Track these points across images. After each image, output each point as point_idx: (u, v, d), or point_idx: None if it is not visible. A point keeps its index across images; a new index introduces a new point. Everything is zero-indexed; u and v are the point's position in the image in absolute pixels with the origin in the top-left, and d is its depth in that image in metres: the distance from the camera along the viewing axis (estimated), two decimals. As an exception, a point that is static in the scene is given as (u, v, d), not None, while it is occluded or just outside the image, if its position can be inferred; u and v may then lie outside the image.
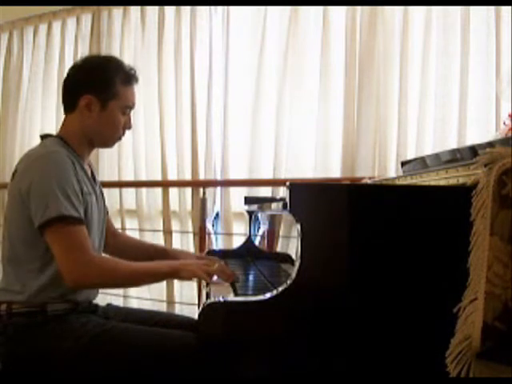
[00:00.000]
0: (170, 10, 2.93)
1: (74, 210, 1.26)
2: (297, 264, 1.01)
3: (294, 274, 1.01)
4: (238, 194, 2.70)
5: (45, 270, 1.29)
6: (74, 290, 1.33)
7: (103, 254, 1.56)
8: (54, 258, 1.28)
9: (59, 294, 1.30)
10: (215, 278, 1.35)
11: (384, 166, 2.38)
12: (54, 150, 1.34)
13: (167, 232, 2.88)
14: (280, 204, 1.13)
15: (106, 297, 2.34)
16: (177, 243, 2.86)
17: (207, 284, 1.39)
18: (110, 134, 1.47)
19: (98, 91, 1.41)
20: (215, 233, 2.85)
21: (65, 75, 1.47)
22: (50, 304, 1.29)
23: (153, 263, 1.41)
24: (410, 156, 2.21)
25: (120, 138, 1.51)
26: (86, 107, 1.41)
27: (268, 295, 1.02)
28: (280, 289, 1.01)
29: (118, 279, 1.32)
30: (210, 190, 2.77)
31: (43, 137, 1.46)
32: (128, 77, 1.46)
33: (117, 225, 2.97)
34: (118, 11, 3.11)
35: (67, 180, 1.28)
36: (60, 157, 1.31)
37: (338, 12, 2.50)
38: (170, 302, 2.83)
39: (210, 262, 1.40)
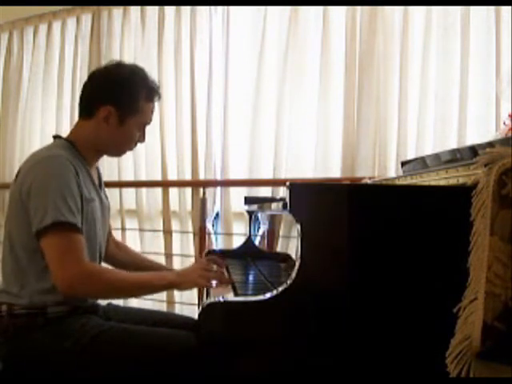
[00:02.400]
0: (169, 9, 2.93)
1: (71, 215, 1.25)
2: (297, 264, 1.01)
3: (293, 274, 1.00)
4: (237, 194, 2.70)
5: (45, 275, 1.28)
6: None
7: (103, 264, 1.55)
8: None
9: (59, 299, 1.29)
10: (214, 282, 1.35)
11: (384, 165, 2.37)
12: (56, 153, 1.33)
13: (167, 232, 2.88)
14: (280, 204, 1.13)
15: (106, 297, 2.33)
16: (177, 243, 2.86)
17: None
18: (122, 148, 1.48)
19: (120, 105, 1.38)
20: (215, 233, 2.85)
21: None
22: (50, 306, 1.29)
23: (150, 276, 1.40)
24: (410, 156, 2.21)
25: (131, 149, 1.50)
26: (104, 119, 1.38)
27: (268, 295, 1.02)
28: (280, 289, 1.01)
29: (110, 290, 1.30)
30: (210, 190, 2.77)
31: (55, 137, 1.45)
32: (151, 93, 1.43)
33: (117, 225, 2.98)
34: (117, 11, 3.11)
35: (66, 185, 1.27)
36: (61, 161, 1.30)
37: (338, 12, 2.50)
38: (170, 301, 2.83)
39: (208, 267, 1.40)
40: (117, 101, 1.38)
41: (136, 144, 1.49)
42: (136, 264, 1.67)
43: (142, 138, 1.49)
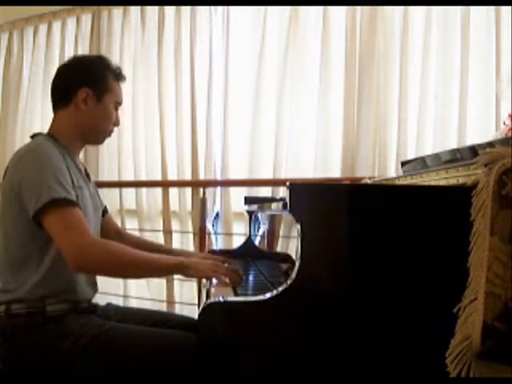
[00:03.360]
0: (169, 10, 2.93)
1: (66, 192, 1.27)
2: (297, 264, 1.01)
3: (293, 274, 1.00)
4: (238, 194, 2.70)
5: (40, 266, 1.29)
6: (70, 288, 1.33)
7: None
8: (48, 253, 1.29)
9: (56, 291, 1.30)
10: (214, 280, 1.34)
11: (384, 166, 2.38)
12: (42, 143, 1.37)
13: (167, 232, 2.88)
14: (280, 204, 1.13)
15: (107, 297, 2.34)
16: (177, 243, 2.86)
17: (207, 281, 1.39)
18: (102, 128, 1.50)
19: (94, 84, 1.44)
20: (215, 233, 2.85)
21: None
22: (48, 305, 1.29)
23: (162, 255, 1.41)
24: (410, 156, 2.21)
25: (110, 134, 1.53)
26: (82, 100, 1.43)
27: (268, 295, 1.02)
28: (280, 289, 1.01)
29: (119, 262, 1.28)
30: (210, 190, 2.77)
31: (33, 136, 1.47)
32: (117, 73, 1.51)
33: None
34: (117, 11, 3.11)
35: (57, 167, 1.30)
36: (48, 149, 1.33)
37: (338, 12, 2.50)
38: (170, 301, 2.83)
39: (220, 263, 1.39)
40: (91, 81, 1.44)
41: (113, 128, 1.52)
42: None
43: (117, 121, 1.53)
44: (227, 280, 1.32)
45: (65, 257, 1.24)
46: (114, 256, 1.27)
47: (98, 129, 1.49)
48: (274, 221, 2.47)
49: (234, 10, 2.78)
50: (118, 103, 1.52)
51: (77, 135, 1.46)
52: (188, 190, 2.84)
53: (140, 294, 2.90)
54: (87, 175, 1.52)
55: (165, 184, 2.91)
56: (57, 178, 1.27)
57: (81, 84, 1.43)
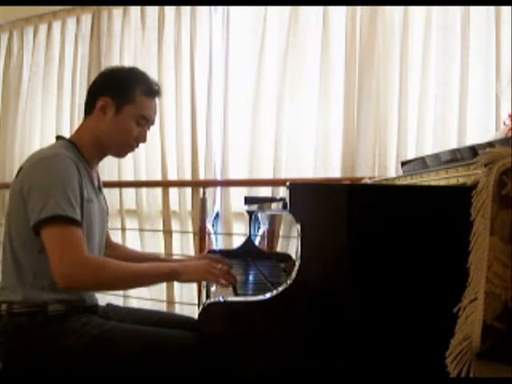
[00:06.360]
0: (169, 10, 2.93)
1: (71, 210, 1.25)
2: (297, 264, 1.01)
3: (294, 274, 1.01)
4: (238, 194, 2.70)
5: (42, 272, 1.28)
6: (80, 297, 1.33)
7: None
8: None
9: (58, 297, 1.30)
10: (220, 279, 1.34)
11: (384, 165, 2.38)
12: (59, 152, 1.34)
13: (167, 232, 2.88)
14: (280, 204, 1.13)
15: (106, 297, 2.33)
16: (177, 243, 2.87)
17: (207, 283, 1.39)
18: (120, 142, 1.47)
19: (115, 94, 1.42)
20: (215, 233, 2.85)
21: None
22: (50, 304, 1.29)
23: (152, 264, 1.41)
24: (410, 156, 2.21)
25: (132, 149, 1.51)
26: (101, 109, 1.42)
27: (268, 295, 1.02)
28: (280, 289, 1.01)
29: (113, 280, 1.28)
30: (209, 190, 2.77)
31: (57, 138, 1.47)
32: (149, 88, 1.46)
33: (117, 225, 2.99)
34: (117, 11, 3.11)
35: (68, 181, 1.28)
36: (64, 159, 1.31)
37: (338, 12, 2.50)
38: (170, 302, 2.83)
39: (214, 263, 1.39)
40: (113, 91, 1.42)
41: (137, 143, 1.49)
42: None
43: (142, 137, 1.49)
44: (223, 281, 1.32)
45: (54, 274, 1.23)
46: (104, 275, 1.26)
47: (114, 141, 1.46)
48: (273, 221, 2.47)
49: (234, 10, 2.78)
50: (144, 118, 1.46)
51: (95, 145, 1.45)
52: (188, 190, 2.84)
53: (140, 294, 2.90)
54: (99, 187, 1.51)
55: (165, 184, 2.91)
56: (66, 193, 1.26)
57: (102, 92, 1.42)
